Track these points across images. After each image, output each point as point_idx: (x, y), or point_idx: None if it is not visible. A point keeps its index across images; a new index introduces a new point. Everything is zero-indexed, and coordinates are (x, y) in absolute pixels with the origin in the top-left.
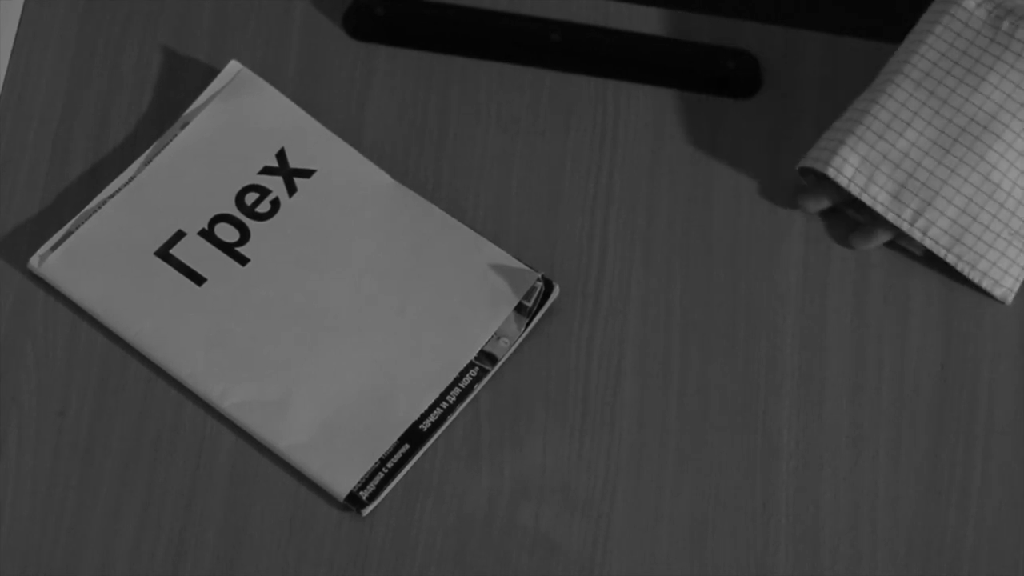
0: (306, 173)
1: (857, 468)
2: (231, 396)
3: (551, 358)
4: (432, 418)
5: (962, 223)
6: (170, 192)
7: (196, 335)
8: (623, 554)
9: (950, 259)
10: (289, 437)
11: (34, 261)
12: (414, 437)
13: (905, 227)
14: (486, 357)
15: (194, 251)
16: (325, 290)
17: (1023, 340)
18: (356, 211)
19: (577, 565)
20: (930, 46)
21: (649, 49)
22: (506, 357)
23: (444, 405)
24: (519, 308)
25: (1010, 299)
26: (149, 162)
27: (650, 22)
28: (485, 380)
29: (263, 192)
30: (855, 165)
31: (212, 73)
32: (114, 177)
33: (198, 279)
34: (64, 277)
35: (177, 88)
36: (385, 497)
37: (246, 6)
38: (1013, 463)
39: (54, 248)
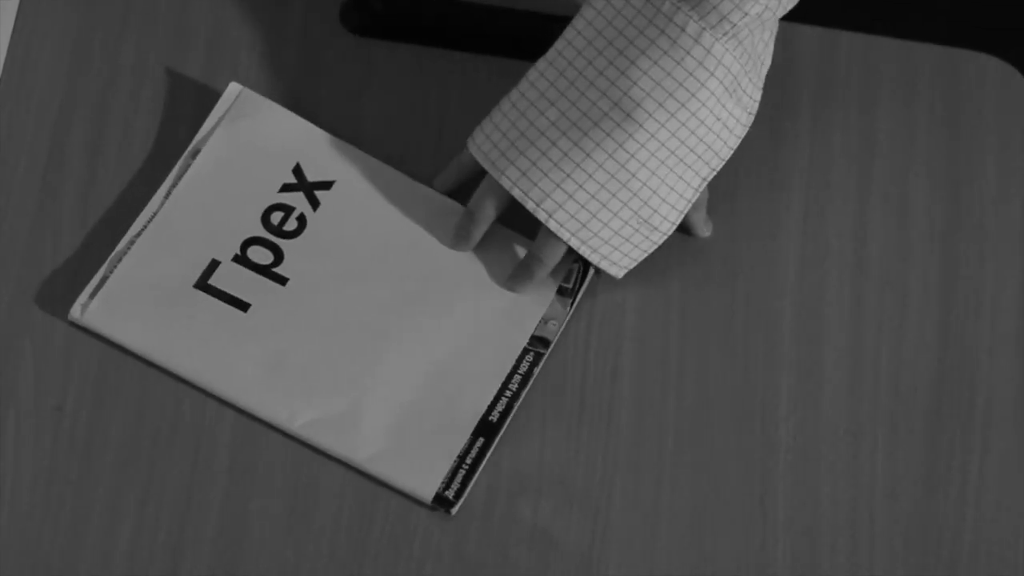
0: (325, 185)
1: (855, 462)
2: (299, 417)
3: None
4: (500, 408)
5: (591, 209)
6: (196, 223)
7: (252, 362)
8: (621, 548)
9: (573, 243)
10: (364, 449)
11: (75, 311)
12: (486, 429)
13: (530, 206)
14: (538, 341)
15: (232, 278)
16: (368, 297)
17: (1021, 334)
18: (381, 215)
19: (575, 559)
20: (588, 23)
21: None
22: (557, 338)
23: (508, 393)
24: (561, 291)
25: (621, 275)
26: (168, 196)
27: None
28: (543, 362)
29: (287, 210)
30: (495, 141)
31: (211, 67)
32: (112, 170)
33: (243, 305)
34: (109, 324)
35: (176, 81)
36: (380, 492)
37: (244, 1)
38: (1011, 456)
39: (92, 296)
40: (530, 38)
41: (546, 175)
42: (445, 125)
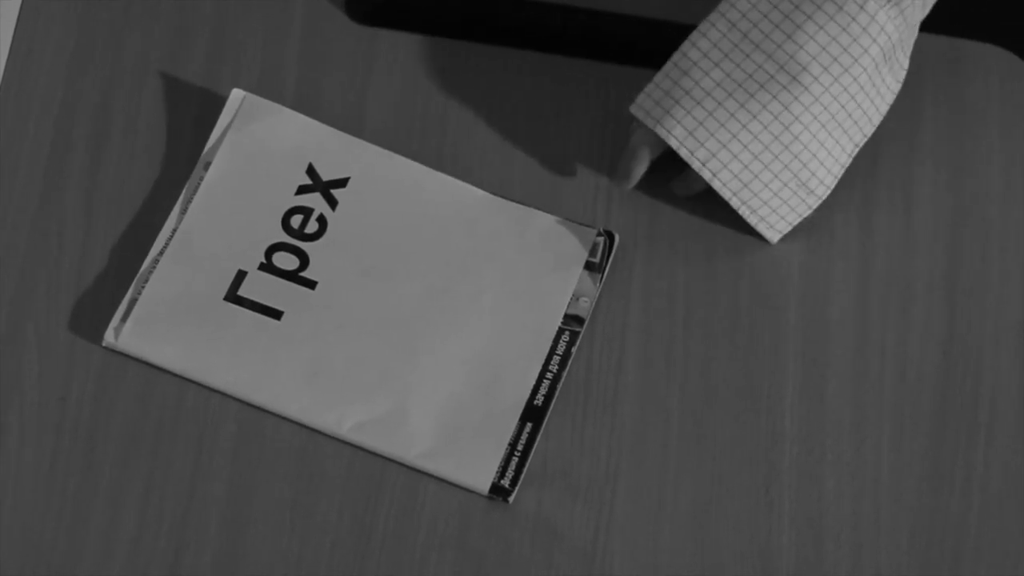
0: (341, 183)
1: (860, 454)
2: (347, 421)
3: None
4: (543, 391)
5: (753, 169)
6: (217, 235)
7: (292, 369)
8: (625, 539)
9: (734, 203)
10: (415, 446)
11: (109, 336)
12: (532, 414)
13: (695, 165)
14: (573, 320)
15: (261, 287)
16: (397, 293)
17: None
18: (399, 207)
19: (579, 550)
20: None
21: (652, 33)
22: (591, 315)
23: (549, 376)
24: (588, 266)
25: (775, 239)
26: (185, 211)
27: (652, 6)
28: (579, 340)
29: (307, 212)
30: (656, 99)
31: (215, 59)
32: (114, 165)
33: (275, 314)
34: (143, 345)
35: (180, 74)
36: (385, 482)
37: None
38: (1016, 450)
39: (124, 319)
40: (535, 27)
41: (712, 135)
42: (448, 114)
